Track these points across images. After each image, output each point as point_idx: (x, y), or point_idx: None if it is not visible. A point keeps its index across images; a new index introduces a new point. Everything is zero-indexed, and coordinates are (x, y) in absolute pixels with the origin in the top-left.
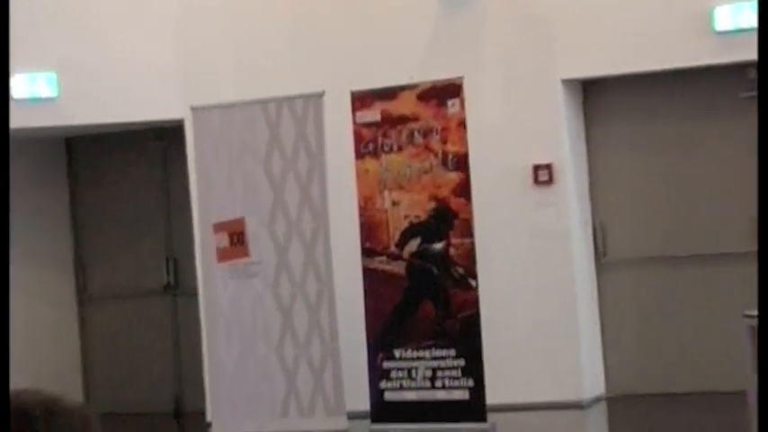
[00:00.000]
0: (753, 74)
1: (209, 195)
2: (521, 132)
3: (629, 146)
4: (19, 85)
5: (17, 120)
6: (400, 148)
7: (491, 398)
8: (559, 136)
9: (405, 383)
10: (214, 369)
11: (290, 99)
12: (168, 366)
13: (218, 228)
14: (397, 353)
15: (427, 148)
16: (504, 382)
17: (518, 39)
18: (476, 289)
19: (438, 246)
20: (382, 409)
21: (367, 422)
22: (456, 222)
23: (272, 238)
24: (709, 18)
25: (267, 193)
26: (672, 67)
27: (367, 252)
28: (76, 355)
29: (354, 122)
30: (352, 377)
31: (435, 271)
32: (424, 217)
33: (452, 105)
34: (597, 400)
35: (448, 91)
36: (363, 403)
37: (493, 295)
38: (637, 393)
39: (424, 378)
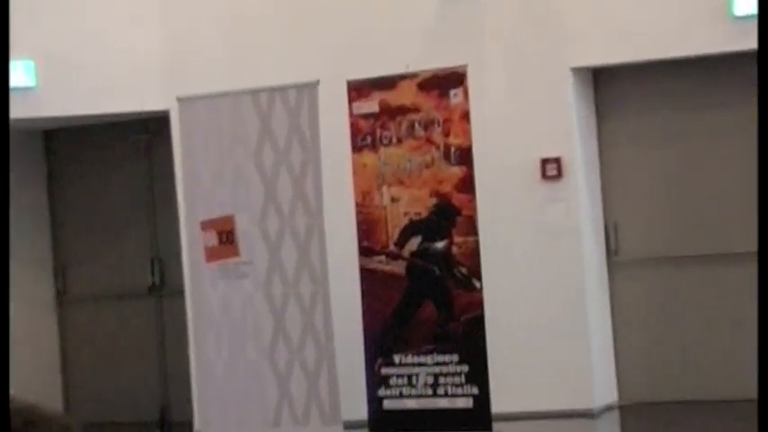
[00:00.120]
0: None
1: (196, 191)
2: (528, 124)
3: (642, 138)
4: None
5: None
6: (400, 141)
7: (496, 406)
8: (569, 128)
9: (405, 391)
10: (202, 375)
11: (282, 89)
12: (153, 372)
13: (207, 225)
14: (396, 358)
15: (428, 141)
16: (510, 389)
17: (525, 24)
18: (480, 290)
19: (440, 244)
20: (381, 419)
21: None
22: (459, 219)
23: (263, 237)
24: (727, 2)
25: (258, 189)
26: (688, 55)
27: (364, 251)
28: (56, 360)
29: (351, 113)
30: (348, 384)
31: (437, 271)
32: (424, 214)
33: (455, 95)
34: (609, 408)
35: (450, 80)
36: (360, 412)
37: (498, 297)
38: (651, 401)
39: (426, 385)
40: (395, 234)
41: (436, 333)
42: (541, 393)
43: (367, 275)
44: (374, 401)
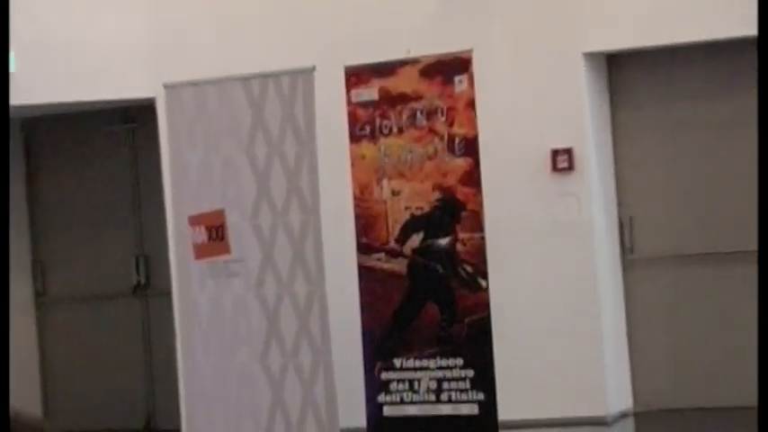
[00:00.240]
0: None
1: (183, 184)
2: (537, 113)
3: (659, 128)
4: None
5: None
6: (401, 131)
7: (503, 413)
8: (581, 117)
9: (406, 397)
10: (190, 379)
11: (275, 75)
12: (138, 377)
13: (195, 221)
14: (397, 362)
15: (431, 131)
16: (517, 395)
17: (534, 6)
18: (486, 290)
19: (443, 241)
20: (380, 426)
21: None
22: (464, 215)
23: (255, 233)
24: None
25: (250, 182)
26: (708, 39)
27: (363, 248)
28: (35, 364)
29: (349, 102)
30: (346, 389)
31: (440, 270)
32: (427, 209)
33: (460, 82)
34: (624, 415)
35: (455, 66)
36: (359, 419)
37: (505, 297)
38: (669, 408)
39: (428, 391)
40: (395, 230)
41: (439, 335)
42: (551, 400)
43: (366, 274)
44: (373, 408)
